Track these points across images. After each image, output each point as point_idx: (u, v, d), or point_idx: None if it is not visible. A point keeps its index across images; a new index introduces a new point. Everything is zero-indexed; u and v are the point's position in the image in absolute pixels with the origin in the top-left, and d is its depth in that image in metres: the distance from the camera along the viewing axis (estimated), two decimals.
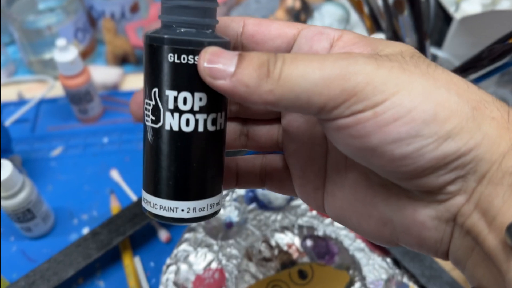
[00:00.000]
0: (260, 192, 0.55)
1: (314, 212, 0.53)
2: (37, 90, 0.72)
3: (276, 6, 0.75)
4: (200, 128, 0.23)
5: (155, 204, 0.24)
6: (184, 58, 0.22)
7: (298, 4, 0.69)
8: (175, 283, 0.48)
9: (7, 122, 0.65)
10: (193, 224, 0.52)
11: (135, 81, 0.73)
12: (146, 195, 0.25)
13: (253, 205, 0.54)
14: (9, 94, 0.71)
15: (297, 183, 0.28)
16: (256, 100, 0.21)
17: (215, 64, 0.21)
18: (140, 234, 0.54)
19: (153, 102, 0.23)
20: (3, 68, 0.72)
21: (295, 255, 0.51)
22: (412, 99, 0.20)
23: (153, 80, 0.23)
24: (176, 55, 0.22)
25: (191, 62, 0.22)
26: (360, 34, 0.24)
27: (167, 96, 0.22)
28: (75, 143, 0.65)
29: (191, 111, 0.22)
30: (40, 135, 0.66)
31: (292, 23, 0.25)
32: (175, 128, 0.23)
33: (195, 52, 0.22)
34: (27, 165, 0.62)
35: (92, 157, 0.63)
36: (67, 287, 0.50)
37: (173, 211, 0.24)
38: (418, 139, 0.20)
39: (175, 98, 0.22)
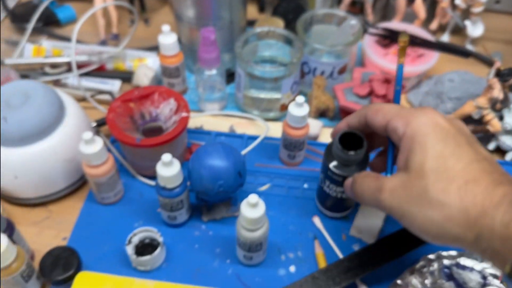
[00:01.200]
0: (455, 270, 0.60)
1: None
2: (245, 126, 0.80)
3: (472, 89, 0.80)
4: (333, 194, 0.61)
5: (321, 208, 0.65)
6: (335, 173, 0.58)
7: (501, 95, 0.73)
8: None
9: (243, 151, 0.73)
10: None
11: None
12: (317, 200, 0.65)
13: (450, 283, 0.59)
14: (221, 125, 0.81)
15: None
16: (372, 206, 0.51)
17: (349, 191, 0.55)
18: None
19: (325, 169, 0.59)
20: (221, 101, 0.82)
21: None
22: None
23: (324, 163, 0.58)
24: (334, 169, 0.58)
25: (339, 174, 0.58)
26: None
27: (324, 174, 0.59)
28: (279, 183, 0.73)
29: (328, 186, 0.60)
30: (249, 170, 0.74)
31: (402, 112, 0.49)
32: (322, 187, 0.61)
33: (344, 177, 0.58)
34: (237, 195, 0.70)
35: (294, 199, 0.71)
36: None
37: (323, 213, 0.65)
38: None
39: (323, 178, 0.60)
